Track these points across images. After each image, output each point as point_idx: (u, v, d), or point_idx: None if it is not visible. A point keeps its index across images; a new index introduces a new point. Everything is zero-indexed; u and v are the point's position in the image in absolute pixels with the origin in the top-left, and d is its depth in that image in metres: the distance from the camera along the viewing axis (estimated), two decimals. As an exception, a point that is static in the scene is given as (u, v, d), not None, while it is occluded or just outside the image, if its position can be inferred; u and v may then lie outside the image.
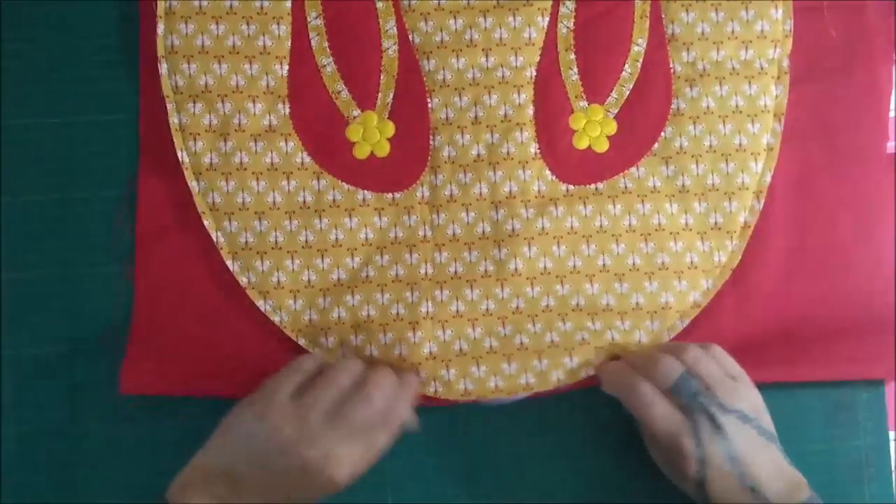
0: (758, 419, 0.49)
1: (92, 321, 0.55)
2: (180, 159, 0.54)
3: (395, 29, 0.55)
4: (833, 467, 0.56)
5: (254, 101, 0.54)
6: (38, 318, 0.55)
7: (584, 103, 0.56)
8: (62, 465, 0.54)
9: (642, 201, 0.55)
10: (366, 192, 0.55)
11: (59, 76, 0.56)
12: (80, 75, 0.56)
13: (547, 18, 0.55)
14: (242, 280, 0.54)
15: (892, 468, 0.56)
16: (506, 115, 0.55)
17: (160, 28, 0.54)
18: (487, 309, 0.54)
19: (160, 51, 0.54)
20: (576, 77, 0.55)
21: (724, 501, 0.48)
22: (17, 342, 0.55)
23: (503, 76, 0.55)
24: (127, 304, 0.55)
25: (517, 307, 0.54)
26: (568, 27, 0.56)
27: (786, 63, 0.56)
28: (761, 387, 0.51)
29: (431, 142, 0.55)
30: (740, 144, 0.56)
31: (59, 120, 0.56)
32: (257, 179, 0.54)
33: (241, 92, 0.54)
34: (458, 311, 0.54)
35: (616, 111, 0.56)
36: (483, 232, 0.55)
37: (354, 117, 0.55)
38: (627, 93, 0.56)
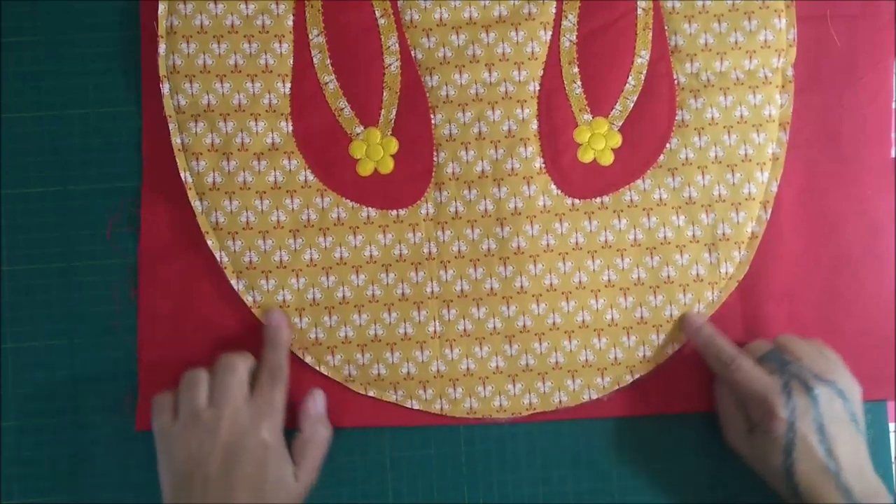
0: (852, 402, 0.49)
1: (92, 313, 0.55)
2: (183, 179, 0.54)
3: (397, 45, 0.55)
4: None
5: (256, 120, 0.54)
6: (39, 310, 0.55)
7: (588, 116, 0.55)
8: (63, 457, 0.55)
9: (648, 215, 0.55)
10: (370, 209, 0.55)
11: (59, 69, 0.56)
12: (79, 68, 0.56)
13: (549, 32, 0.55)
14: (248, 299, 0.54)
15: (893, 460, 0.56)
16: (510, 131, 0.55)
17: (161, 48, 0.54)
18: (494, 328, 0.54)
19: (162, 71, 0.54)
20: (579, 90, 0.55)
21: (809, 485, 0.48)
22: (18, 335, 0.55)
23: (506, 91, 0.55)
24: (126, 295, 0.55)
25: (524, 325, 0.54)
26: (571, 40, 0.55)
27: (790, 72, 0.56)
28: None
29: (435, 158, 0.55)
30: (746, 154, 0.55)
31: (59, 113, 0.56)
32: (261, 198, 0.54)
33: (244, 110, 0.54)
34: (465, 330, 0.54)
35: (620, 124, 0.55)
36: (489, 249, 0.55)
37: (357, 134, 0.55)
38: (632, 105, 0.55)
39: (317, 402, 0.53)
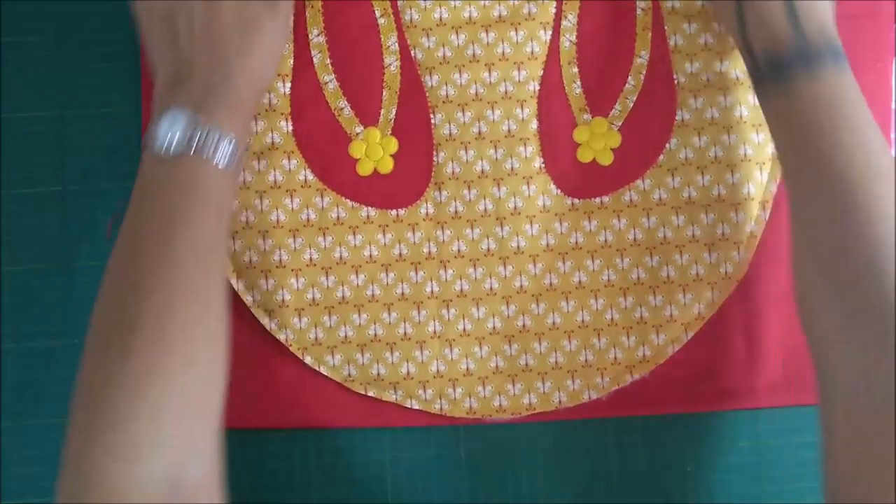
0: None
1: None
2: (183, 179, 0.54)
3: (396, 45, 0.55)
4: (832, 457, 0.56)
5: (256, 119, 0.54)
6: (39, 311, 0.55)
7: (587, 116, 0.55)
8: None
9: (647, 214, 0.55)
10: (370, 208, 0.55)
11: (59, 69, 0.56)
12: (79, 68, 0.56)
13: (549, 32, 0.55)
14: (247, 299, 0.54)
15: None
16: (509, 130, 0.55)
17: (161, 48, 0.54)
18: (494, 327, 0.54)
19: (162, 70, 0.54)
20: (579, 90, 0.55)
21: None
22: (18, 335, 0.55)
23: (506, 91, 0.55)
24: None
25: (523, 325, 0.54)
26: (570, 41, 0.55)
27: (790, 72, 0.56)
28: (767, 411, 0.52)
29: (435, 158, 0.55)
30: (745, 154, 0.55)
31: (59, 113, 0.56)
32: (260, 198, 0.54)
33: (244, 110, 0.54)
34: (464, 330, 0.54)
35: (620, 123, 0.55)
36: (488, 248, 0.55)
37: (357, 134, 0.55)
38: (631, 105, 0.55)
39: None
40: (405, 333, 0.54)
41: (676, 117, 0.55)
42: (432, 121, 0.55)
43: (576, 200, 0.55)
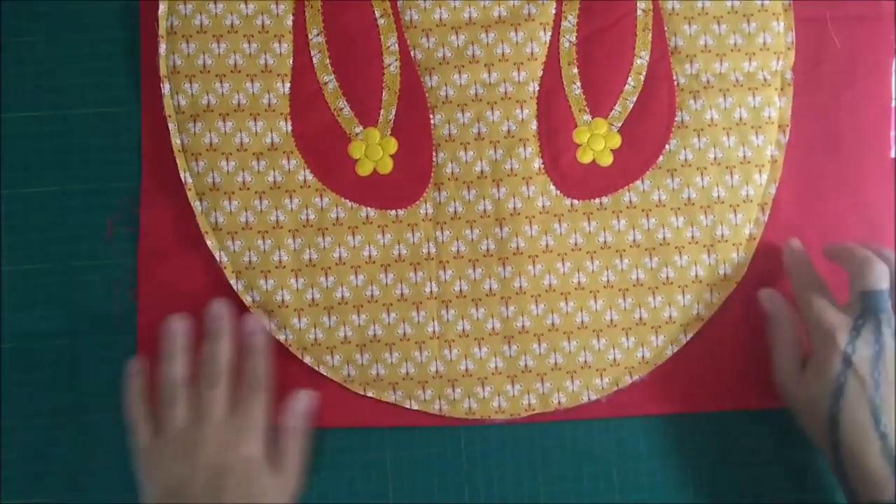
0: None
1: (92, 313, 0.55)
2: (183, 180, 0.54)
3: (396, 45, 0.55)
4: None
5: (255, 120, 0.54)
6: (39, 310, 0.55)
7: (587, 117, 0.55)
8: (63, 457, 0.55)
9: (647, 215, 0.55)
10: (369, 209, 0.55)
11: (60, 69, 0.56)
12: (80, 68, 0.56)
13: (549, 33, 0.55)
14: (247, 299, 0.54)
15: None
16: (509, 131, 0.55)
17: (162, 48, 0.54)
18: (493, 328, 0.54)
19: (162, 71, 0.54)
20: (579, 91, 0.55)
21: (852, 443, 0.44)
22: (18, 335, 0.55)
23: (506, 92, 0.55)
24: (126, 295, 0.55)
25: (523, 326, 0.54)
26: (570, 41, 0.55)
27: (789, 75, 0.56)
28: (766, 412, 0.53)
29: (434, 158, 0.55)
30: (744, 156, 0.55)
31: (59, 112, 0.56)
32: (260, 198, 0.54)
33: (243, 110, 0.54)
34: (464, 331, 0.54)
35: (620, 124, 0.55)
36: (487, 249, 0.55)
37: (357, 134, 0.55)
38: (631, 106, 0.55)
39: (296, 409, 0.52)
40: (404, 334, 0.54)
41: (676, 118, 0.55)
42: (432, 121, 0.55)
43: (575, 201, 0.55)
